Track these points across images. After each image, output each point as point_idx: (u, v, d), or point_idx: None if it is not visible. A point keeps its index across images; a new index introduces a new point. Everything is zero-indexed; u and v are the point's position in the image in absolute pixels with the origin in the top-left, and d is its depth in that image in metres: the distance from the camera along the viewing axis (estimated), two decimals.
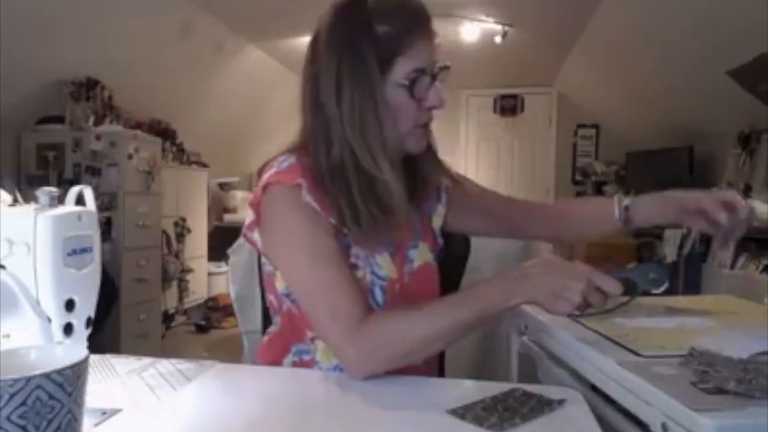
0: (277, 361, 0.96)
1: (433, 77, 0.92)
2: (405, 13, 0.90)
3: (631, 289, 0.87)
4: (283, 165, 0.91)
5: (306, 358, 0.94)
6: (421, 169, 1.01)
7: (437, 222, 1.07)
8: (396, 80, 0.89)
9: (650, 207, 1.05)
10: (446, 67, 0.93)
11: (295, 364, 0.95)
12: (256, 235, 0.95)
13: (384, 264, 0.93)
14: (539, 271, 0.83)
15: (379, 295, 0.92)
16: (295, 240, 0.88)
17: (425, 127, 0.96)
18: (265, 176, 0.91)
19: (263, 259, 1.00)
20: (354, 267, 0.90)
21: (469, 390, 0.80)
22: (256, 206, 0.92)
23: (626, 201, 1.05)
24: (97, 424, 0.66)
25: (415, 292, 0.95)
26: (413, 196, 0.99)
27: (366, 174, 0.88)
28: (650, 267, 0.91)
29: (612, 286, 0.80)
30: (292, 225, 0.88)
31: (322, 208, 0.88)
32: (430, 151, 1.01)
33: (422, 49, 0.90)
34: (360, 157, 0.88)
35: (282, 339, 0.98)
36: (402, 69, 0.89)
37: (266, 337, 1.03)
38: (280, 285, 0.95)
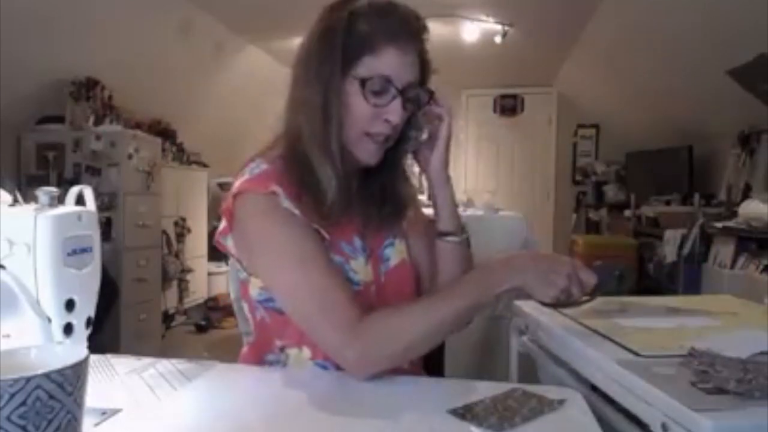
0: None
1: (401, 93, 0.88)
2: (390, 19, 0.88)
3: (598, 286, 0.89)
4: (254, 172, 0.89)
5: (277, 367, 0.94)
6: (391, 184, 0.99)
7: (404, 224, 1.04)
8: (354, 77, 0.87)
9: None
10: (415, 88, 0.90)
11: None
12: (229, 242, 0.93)
13: (359, 268, 0.92)
14: (526, 258, 0.88)
15: None
16: (279, 246, 0.86)
17: (382, 141, 0.91)
18: (236, 183, 0.89)
19: (236, 269, 0.97)
20: None
21: (469, 390, 0.79)
22: (228, 214, 0.90)
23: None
24: (97, 424, 0.66)
25: (391, 293, 0.95)
26: (389, 194, 0.99)
27: (306, 162, 0.88)
28: (614, 266, 0.93)
29: (590, 275, 0.85)
30: (272, 231, 0.86)
31: (303, 213, 0.86)
32: (401, 173, 1.00)
33: (392, 59, 0.87)
34: (305, 144, 0.88)
35: (257, 350, 0.96)
36: (364, 68, 0.87)
37: (245, 347, 1.02)
38: (254, 292, 0.93)
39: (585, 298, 0.88)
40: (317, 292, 0.84)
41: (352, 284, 0.90)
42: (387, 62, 0.87)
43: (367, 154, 0.92)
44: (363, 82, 0.86)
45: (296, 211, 0.85)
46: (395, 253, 0.99)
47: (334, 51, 0.86)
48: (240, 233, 0.90)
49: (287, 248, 0.86)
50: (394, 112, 0.88)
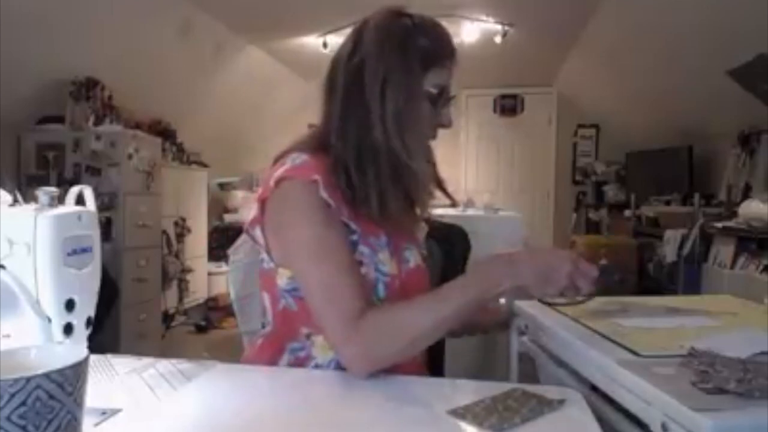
0: (272, 363, 0.96)
1: (448, 100, 1.00)
2: (442, 35, 1.00)
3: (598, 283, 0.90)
4: (297, 162, 0.92)
5: (301, 355, 0.94)
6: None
7: (422, 233, 1.11)
8: (426, 87, 0.96)
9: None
10: (453, 97, 1.02)
11: (290, 363, 0.94)
12: (257, 232, 0.96)
13: (386, 260, 0.95)
14: (526, 256, 0.89)
15: (381, 290, 0.93)
16: (307, 236, 0.89)
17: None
18: (279, 171, 0.91)
19: (260, 259, 0.99)
20: (359, 264, 0.92)
21: (469, 390, 0.80)
22: (263, 201, 0.93)
23: None
24: (97, 424, 0.66)
25: (411, 289, 0.97)
26: (413, 204, 1.03)
27: (396, 164, 0.93)
28: (613, 269, 0.94)
29: (591, 270, 0.86)
30: (305, 221, 0.89)
31: (337, 205, 0.89)
32: (434, 168, 1.06)
33: (448, 72, 0.99)
34: (396, 149, 0.92)
35: (276, 340, 0.97)
36: (433, 79, 0.97)
37: (259, 340, 1.02)
38: (281, 281, 0.94)
39: (581, 298, 0.89)
40: (326, 284, 0.86)
41: (381, 275, 0.93)
42: (445, 76, 0.99)
43: (425, 159, 0.99)
44: (436, 95, 0.97)
45: (332, 202, 0.89)
46: (413, 256, 1.02)
47: (412, 63, 0.94)
48: (272, 219, 0.93)
49: (313, 239, 0.89)
50: (449, 118, 1.01)
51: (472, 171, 6.44)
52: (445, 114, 1.00)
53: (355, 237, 0.92)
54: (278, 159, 0.97)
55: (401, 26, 0.96)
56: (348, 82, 0.95)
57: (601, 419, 0.72)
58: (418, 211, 1.05)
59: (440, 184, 1.09)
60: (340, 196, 0.91)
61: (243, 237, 1.14)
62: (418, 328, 0.84)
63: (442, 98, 0.99)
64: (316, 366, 0.93)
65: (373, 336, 0.82)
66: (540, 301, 0.90)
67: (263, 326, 1.03)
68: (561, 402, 0.74)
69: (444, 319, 0.84)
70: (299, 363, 0.94)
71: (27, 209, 0.69)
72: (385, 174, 0.93)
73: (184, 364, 0.88)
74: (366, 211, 0.92)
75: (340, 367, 0.89)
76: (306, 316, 0.92)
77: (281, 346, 0.96)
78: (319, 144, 0.97)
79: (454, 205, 1.18)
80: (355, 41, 0.97)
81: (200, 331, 4.26)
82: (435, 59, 0.97)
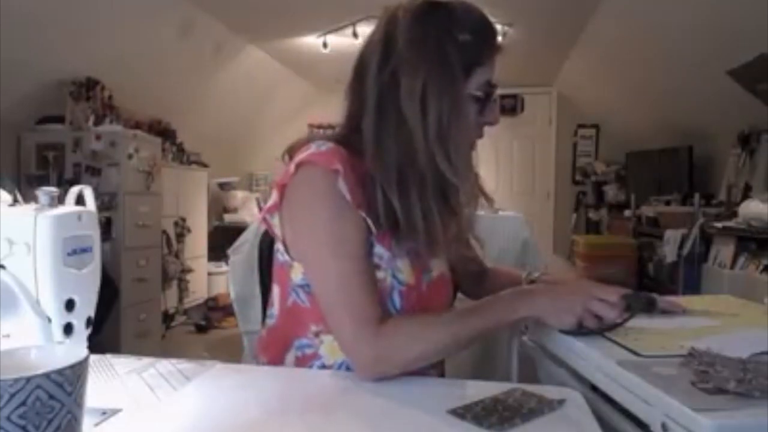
0: (278, 357, 0.95)
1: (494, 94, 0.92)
2: (483, 24, 0.91)
3: (629, 306, 0.89)
4: (322, 148, 0.88)
5: (308, 352, 0.93)
6: None
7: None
8: (470, 91, 0.89)
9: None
10: (497, 87, 0.93)
11: (297, 359, 0.93)
12: (275, 220, 0.92)
13: (404, 269, 0.91)
14: (543, 288, 0.93)
15: (397, 300, 0.90)
16: (321, 227, 0.86)
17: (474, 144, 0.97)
18: (301, 155, 0.87)
19: (276, 249, 0.96)
20: (376, 267, 0.88)
21: (469, 390, 0.80)
22: (282, 187, 0.89)
23: (534, 275, 1.13)
24: (97, 424, 0.66)
25: (430, 302, 0.94)
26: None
27: (444, 187, 0.88)
28: (642, 294, 0.94)
29: (611, 297, 0.87)
30: (320, 211, 0.86)
31: (354, 200, 0.85)
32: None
33: (494, 63, 0.91)
34: (444, 171, 0.86)
35: (282, 334, 0.95)
36: (478, 80, 0.89)
37: (264, 331, 1.01)
38: (296, 276, 0.92)
39: (604, 327, 0.87)
40: (345, 282, 0.84)
41: (397, 283, 0.90)
42: (492, 69, 0.91)
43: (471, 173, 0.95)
44: (483, 98, 0.90)
45: (348, 196, 0.85)
46: (437, 264, 0.98)
47: (453, 70, 0.86)
48: (289, 205, 0.89)
49: (327, 231, 0.85)
50: (495, 114, 0.93)
51: None
52: (491, 111, 0.93)
53: (372, 237, 0.87)
54: (289, 151, 0.93)
55: (436, 25, 0.87)
56: (381, 100, 0.88)
57: (601, 419, 0.72)
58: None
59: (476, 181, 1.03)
60: (360, 193, 0.86)
61: (243, 237, 1.14)
62: (433, 344, 0.84)
63: (489, 97, 0.91)
64: (323, 366, 0.91)
65: (391, 345, 0.82)
66: (561, 331, 0.90)
67: (269, 317, 1.00)
68: (561, 402, 0.73)
69: (459, 341, 0.85)
70: (306, 360, 0.93)
71: (27, 209, 0.69)
72: (431, 202, 0.87)
73: (184, 364, 0.88)
74: (411, 244, 0.87)
75: (348, 370, 0.89)
76: (317, 313, 0.90)
77: (287, 341, 0.94)
78: (341, 142, 0.91)
79: (490, 203, 1.11)
80: (385, 46, 0.88)
81: (200, 331, 4.26)
82: (478, 56, 0.89)
